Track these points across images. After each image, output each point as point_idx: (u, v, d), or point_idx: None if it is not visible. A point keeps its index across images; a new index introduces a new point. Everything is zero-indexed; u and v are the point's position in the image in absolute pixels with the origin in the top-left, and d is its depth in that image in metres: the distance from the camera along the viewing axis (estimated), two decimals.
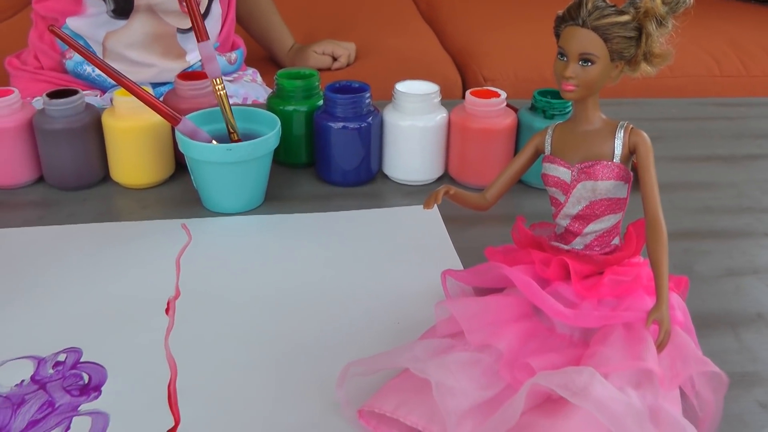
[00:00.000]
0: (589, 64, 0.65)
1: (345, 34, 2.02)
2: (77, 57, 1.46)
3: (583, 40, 0.65)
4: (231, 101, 1.26)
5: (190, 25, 1.43)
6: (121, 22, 1.43)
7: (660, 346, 0.60)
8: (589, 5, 0.65)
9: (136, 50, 1.46)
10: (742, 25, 2.16)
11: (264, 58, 1.90)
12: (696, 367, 0.61)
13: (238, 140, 0.94)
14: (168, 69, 1.50)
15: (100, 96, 1.48)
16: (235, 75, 1.62)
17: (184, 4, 0.95)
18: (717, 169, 1.10)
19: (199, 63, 1.53)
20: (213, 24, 1.55)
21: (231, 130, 0.95)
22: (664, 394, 0.59)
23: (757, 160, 1.13)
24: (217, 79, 0.95)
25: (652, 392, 0.58)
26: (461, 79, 1.90)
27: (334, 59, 1.83)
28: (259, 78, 1.68)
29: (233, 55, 1.63)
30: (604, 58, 0.65)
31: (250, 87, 1.57)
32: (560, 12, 0.68)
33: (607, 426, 0.53)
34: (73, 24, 1.44)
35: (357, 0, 2.42)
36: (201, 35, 0.94)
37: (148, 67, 1.48)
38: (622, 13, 0.64)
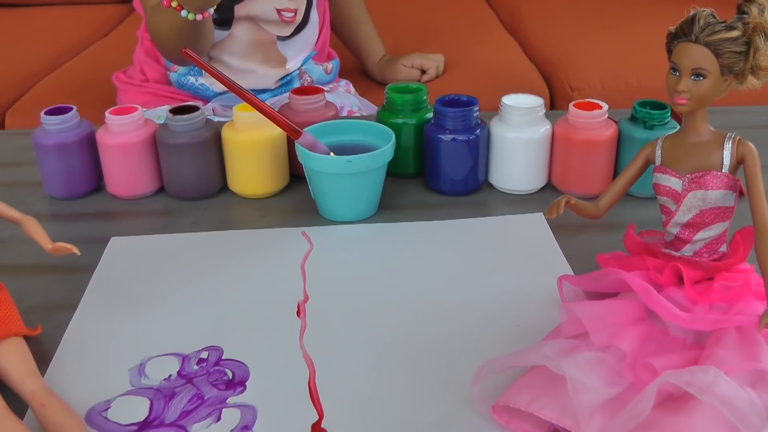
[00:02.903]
0: (701, 78, 0.68)
1: (429, 46, 2.06)
2: (181, 69, 1.55)
3: (696, 55, 0.68)
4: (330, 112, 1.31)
5: (289, 32, 1.51)
6: (224, 33, 1.51)
7: None
8: (701, 22, 0.68)
9: (237, 58, 1.54)
10: None
11: (354, 70, 1.95)
12: None
13: None
14: (268, 75, 1.57)
15: (203, 104, 1.55)
16: (331, 85, 1.68)
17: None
18: None
19: (297, 71, 1.59)
20: (311, 31, 1.62)
21: None
22: None
23: None
24: None
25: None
26: (548, 89, 1.94)
27: (423, 72, 1.87)
28: (352, 88, 1.73)
29: (329, 66, 1.69)
30: (715, 72, 0.68)
31: (345, 97, 1.63)
32: (672, 28, 0.71)
33: (733, 422, 0.57)
34: None
35: (439, 12, 2.46)
36: None
37: (250, 74, 1.55)
38: (731, 28, 0.67)
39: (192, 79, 1.55)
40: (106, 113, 1.04)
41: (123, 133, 1.03)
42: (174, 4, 1.26)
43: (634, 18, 2.26)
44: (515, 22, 2.43)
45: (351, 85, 1.75)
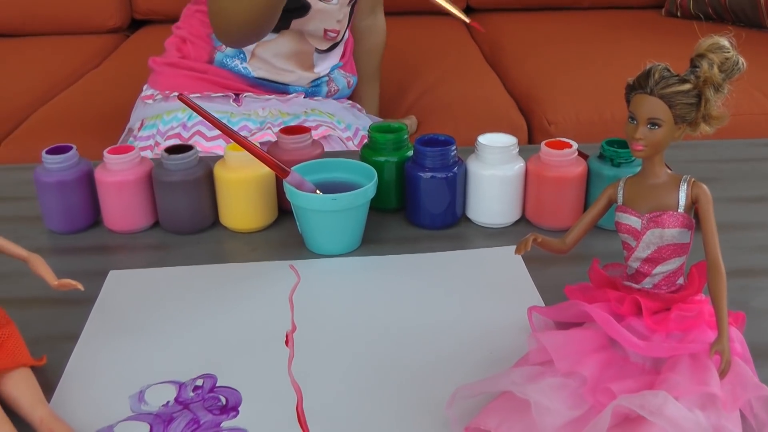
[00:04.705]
0: (656, 127, 0.74)
1: (412, 78, 2.13)
2: (228, 51, 1.64)
3: (651, 106, 0.74)
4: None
5: (327, 47, 1.65)
6: (272, 36, 1.60)
7: (722, 374, 0.69)
8: (656, 75, 0.74)
9: (279, 59, 1.64)
10: None
11: None
12: (753, 392, 0.70)
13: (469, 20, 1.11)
14: (304, 77, 1.68)
15: (233, 101, 1.64)
16: (347, 103, 1.81)
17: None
18: None
19: (327, 77, 1.73)
20: (342, 46, 1.75)
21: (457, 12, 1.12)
22: (727, 416, 0.68)
23: None
24: None
25: (716, 414, 0.67)
26: (526, 122, 2.00)
27: None
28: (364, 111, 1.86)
29: (351, 80, 1.81)
30: (669, 122, 0.74)
31: (361, 119, 1.78)
32: (630, 80, 0.76)
33: None
34: None
35: (424, 44, 2.52)
36: None
37: (290, 73, 1.67)
38: (684, 81, 0.73)
39: (237, 62, 1.64)
40: (105, 152, 1.09)
41: (120, 171, 1.08)
42: None
43: (611, 51, 2.33)
44: (496, 56, 2.50)
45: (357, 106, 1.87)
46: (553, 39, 2.56)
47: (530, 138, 1.97)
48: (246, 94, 1.66)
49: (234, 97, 1.65)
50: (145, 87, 1.73)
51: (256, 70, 1.65)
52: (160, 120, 1.62)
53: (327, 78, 1.73)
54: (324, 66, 1.71)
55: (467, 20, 1.11)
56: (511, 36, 2.63)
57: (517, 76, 2.27)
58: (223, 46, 1.63)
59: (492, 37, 2.66)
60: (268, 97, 1.67)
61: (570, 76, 2.16)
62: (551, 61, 2.31)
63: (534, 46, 2.49)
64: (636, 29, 2.63)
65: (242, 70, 1.65)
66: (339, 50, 1.73)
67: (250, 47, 1.62)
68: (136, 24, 2.92)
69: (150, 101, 1.67)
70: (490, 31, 2.72)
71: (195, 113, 1.55)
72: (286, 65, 1.66)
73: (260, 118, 1.63)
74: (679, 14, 2.77)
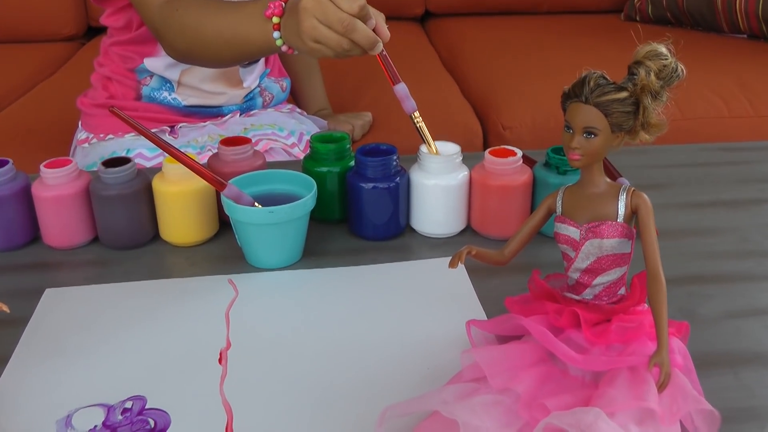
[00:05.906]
0: (592, 136, 0.73)
1: (368, 82, 2.11)
2: (154, 83, 1.60)
3: (586, 115, 0.72)
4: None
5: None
6: None
7: (661, 387, 0.68)
8: (591, 83, 0.72)
9: (206, 83, 1.61)
10: (751, 64, 2.21)
11: None
12: (693, 405, 0.69)
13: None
14: (235, 95, 1.66)
15: (168, 134, 1.61)
16: (288, 107, 1.79)
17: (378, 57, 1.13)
18: (722, 215, 1.16)
19: (258, 88, 1.71)
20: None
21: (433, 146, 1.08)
22: (665, 430, 0.67)
23: (761, 204, 1.20)
24: (415, 114, 1.11)
25: (653, 428, 0.66)
26: (481, 126, 1.99)
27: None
28: (304, 113, 1.84)
29: (284, 83, 1.79)
30: (605, 130, 0.72)
31: (304, 123, 1.76)
32: (566, 88, 0.75)
33: None
34: (150, 64, 1.57)
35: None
36: (395, 79, 1.12)
37: (220, 95, 1.64)
38: (621, 89, 0.72)
39: (165, 94, 1.61)
40: (41, 166, 1.06)
41: (57, 185, 1.06)
42: (276, 20, 1.18)
43: (570, 56, 2.32)
44: (454, 60, 2.49)
45: (298, 110, 1.85)
46: (512, 43, 2.55)
47: (485, 143, 1.96)
48: (181, 124, 1.63)
49: (169, 130, 1.62)
50: (78, 129, 1.70)
51: (186, 98, 1.61)
52: (100, 161, 1.57)
53: (259, 89, 1.71)
54: (252, 78, 1.68)
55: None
56: (469, 40, 2.62)
57: (474, 80, 2.26)
58: (148, 79, 1.60)
59: (450, 41, 2.65)
60: (203, 124, 1.64)
61: (527, 80, 2.15)
62: (509, 65, 2.30)
63: (492, 50, 2.48)
64: (595, 33, 2.63)
65: (172, 102, 1.61)
66: (262, 59, 1.71)
67: (176, 77, 1.59)
68: (92, 32, 2.89)
69: (86, 144, 1.64)
70: (449, 36, 2.71)
71: (131, 148, 1.55)
72: (214, 87, 1.63)
73: (199, 144, 1.60)
74: (638, 18, 2.77)
